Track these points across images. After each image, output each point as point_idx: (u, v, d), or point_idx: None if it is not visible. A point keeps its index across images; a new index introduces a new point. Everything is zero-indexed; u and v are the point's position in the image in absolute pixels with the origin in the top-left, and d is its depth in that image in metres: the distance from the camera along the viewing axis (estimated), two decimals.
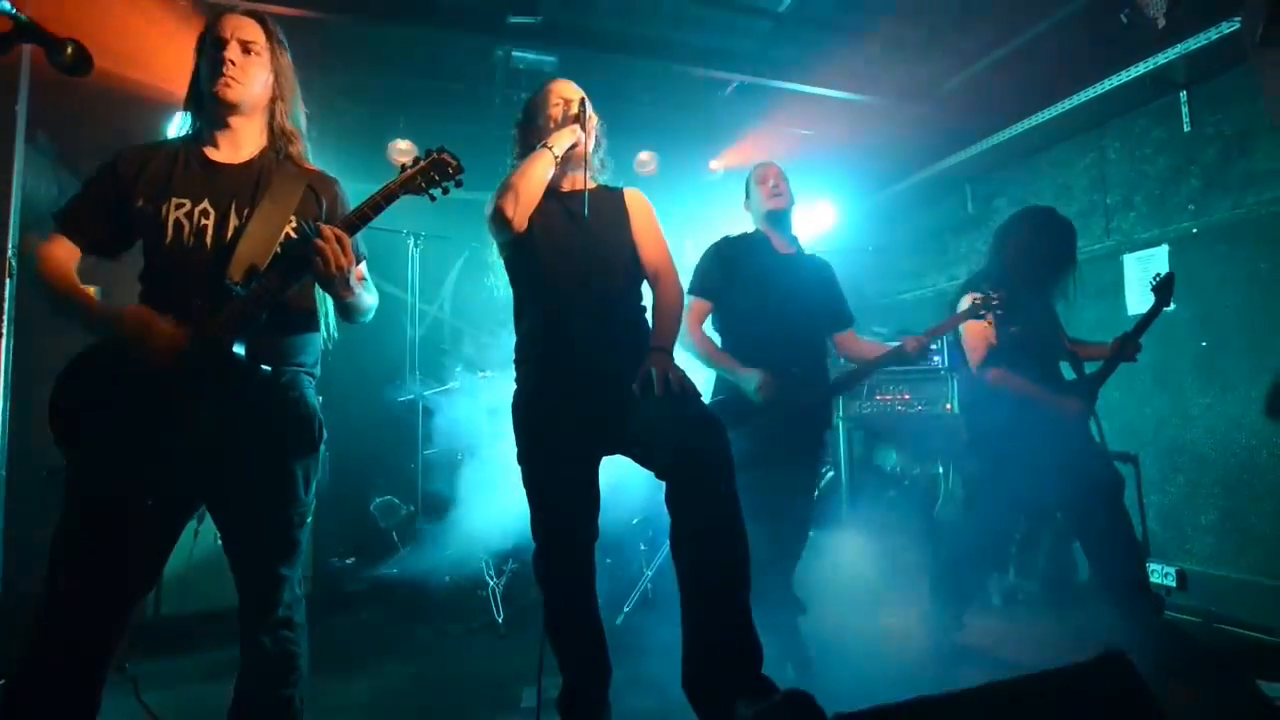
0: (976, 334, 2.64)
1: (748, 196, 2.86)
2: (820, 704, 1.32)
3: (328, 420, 1.82)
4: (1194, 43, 3.21)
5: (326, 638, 3.31)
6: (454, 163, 1.74)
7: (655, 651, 2.40)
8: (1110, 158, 4.05)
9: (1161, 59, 3.37)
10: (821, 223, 5.36)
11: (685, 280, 2.14)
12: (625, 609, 3.39)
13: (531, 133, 2.13)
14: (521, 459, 2.00)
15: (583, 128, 2.03)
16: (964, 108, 4.39)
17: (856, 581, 3.33)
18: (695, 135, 5.01)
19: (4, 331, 2.67)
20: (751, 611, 1.58)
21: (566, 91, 2.13)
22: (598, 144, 2.15)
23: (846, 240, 5.58)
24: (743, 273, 2.65)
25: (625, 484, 3.10)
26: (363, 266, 1.87)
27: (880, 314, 5.36)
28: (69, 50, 1.30)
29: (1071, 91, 3.82)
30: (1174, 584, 3.53)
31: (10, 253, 2.68)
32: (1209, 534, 3.49)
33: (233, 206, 1.66)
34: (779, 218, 2.76)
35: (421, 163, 1.73)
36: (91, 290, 1.70)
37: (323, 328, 1.85)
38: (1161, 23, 2.91)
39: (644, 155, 4.95)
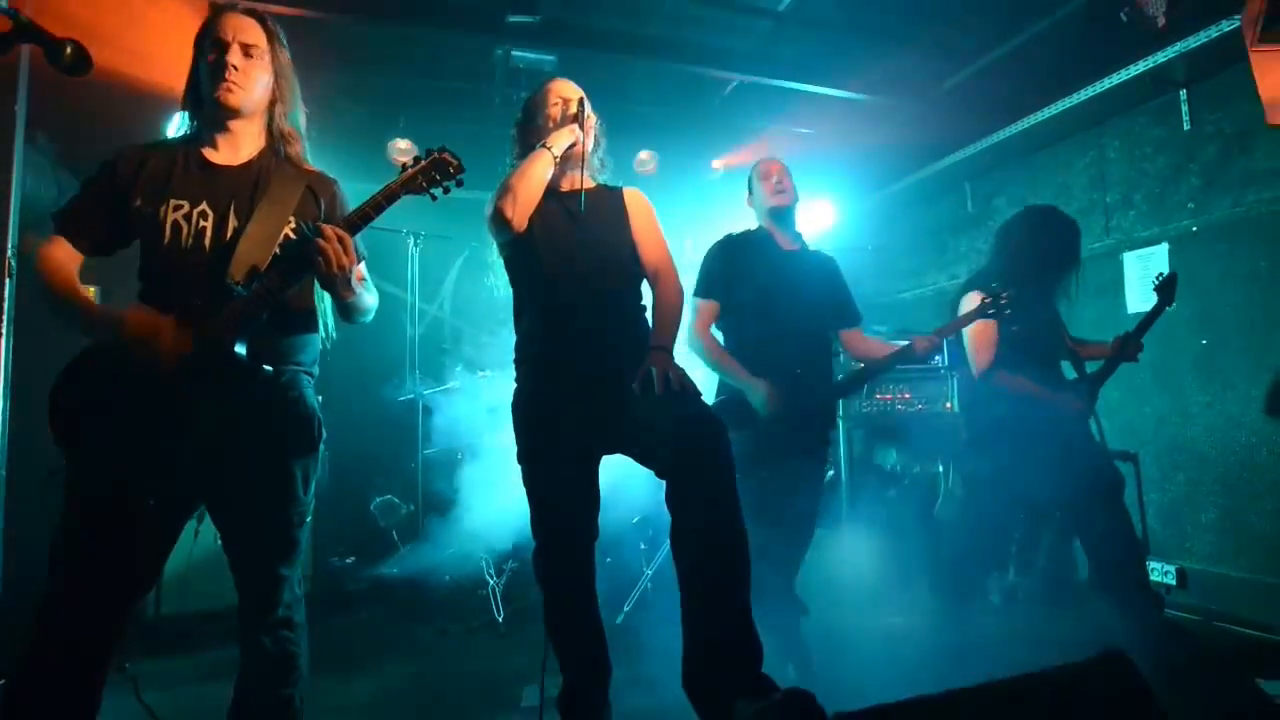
0: (982, 335, 2.63)
1: (750, 193, 2.83)
2: (820, 703, 1.32)
3: (328, 420, 1.82)
4: (1194, 41, 3.21)
5: (326, 637, 3.30)
6: (455, 162, 1.75)
7: (655, 651, 2.40)
8: (1110, 156, 4.05)
9: (1161, 57, 3.37)
10: (821, 222, 5.35)
11: (685, 279, 2.13)
12: (625, 608, 3.39)
13: (531, 132, 2.13)
14: (521, 458, 2.00)
15: (581, 127, 2.03)
16: (963, 106, 4.39)
17: (856, 580, 3.33)
18: (695, 135, 5.01)
19: (4, 331, 2.67)
20: (752, 610, 1.58)
21: (565, 91, 2.13)
22: (597, 143, 2.16)
23: (846, 239, 5.57)
24: (747, 271, 2.62)
25: (625, 483, 3.10)
26: (362, 267, 1.87)
27: (880, 313, 5.35)
28: (68, 50, 1.30)
29: (1071, 90, 3.82)
30: (1174, 582, 3.53)
31: (10, 253, 2.68)
32: (1209, 532, 3.49)
33: (231, 207, 1.66)
34: (783, 215, 2.73)
35: (422, 162, 1.73)
36: (90, 292, 1.70)
37: (321, 327, 1.85)
38: (1161, 21, 2.91)
39: (643, 155, 4.95)
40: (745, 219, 2.84)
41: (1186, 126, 3.63)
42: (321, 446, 1.77)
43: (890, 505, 4.22)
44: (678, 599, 1.63)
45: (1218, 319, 3.45)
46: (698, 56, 4.10)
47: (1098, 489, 2.57)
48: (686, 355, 2.43)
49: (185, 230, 1.62)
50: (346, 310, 1.77)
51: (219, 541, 1.70)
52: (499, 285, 2.20)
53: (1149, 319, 2.73)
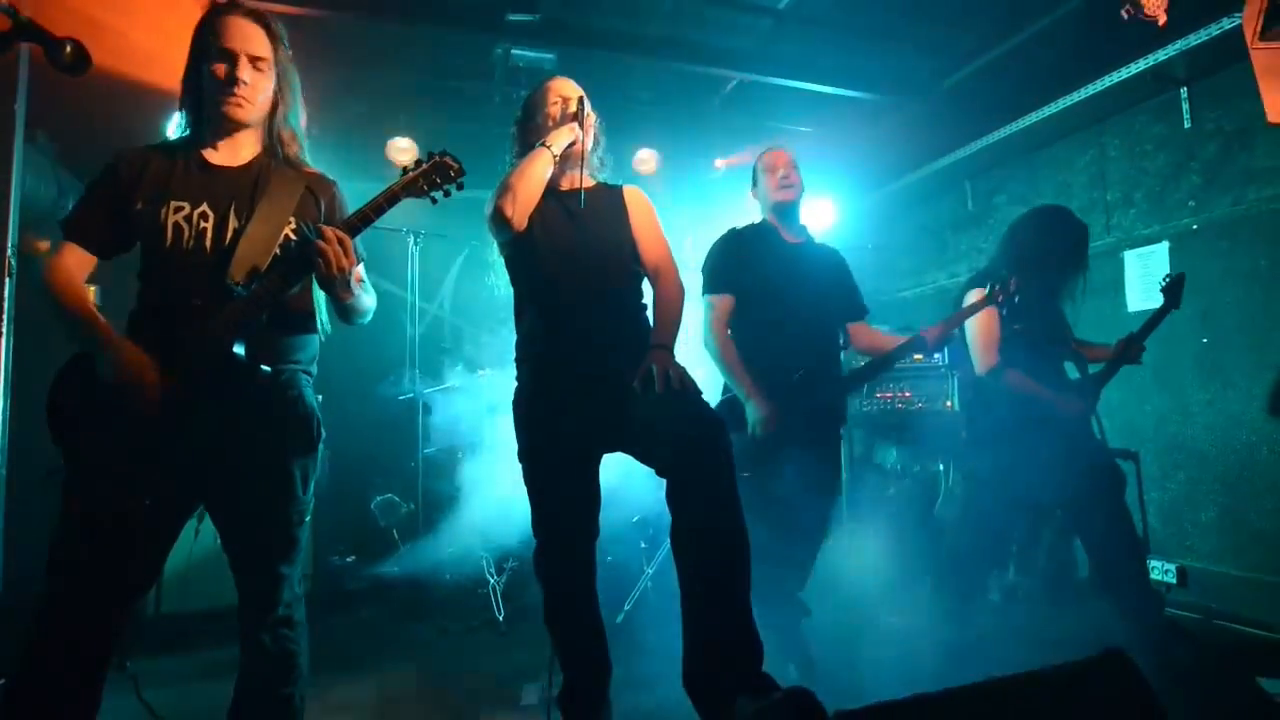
0: (985, 333, 2.61)
1: (755, 184, 2.78)
2: (821, 701, 1.32)
3: (327, 419, 1.82)
4: (1194, 39, 3.20)
5: (327, 636, 3.31)
6: (455, 166, 1.75)
7: (655, 650, 2.40)
8: (1110, 154, 4.04)
9: (1162, 55, 3.37)
10: (821, 220, 5.35)
11: (686, 278, 2.12)
12: (625, 607, 3.39)
13: (530, 131, 2.13)
14: (522, 456, 2.00)
15: (581, 126, 2.03)
16: (964, 104, 4.38)
17: (857, 579, 3.33)
18: (695, 133, 5.01)
19: (4, 331, 2.67)
20: (752, 609, 1.58)
21: (565, 90, 2.12)
22: (596, 142, 2.15)
23: (846, 238, 5.55)
24: (753, 264, 2.59)
25: (625, 483, 3.10)
26: (360, 268, 1.86)
27: (881, 311, 5.32)
28: (67, 49, 1.30)
29: (1072, 88, 3.81)
30: (1174, 581, 3.53)
31: (10, 252, 2.68)
32: (1209, 531, 3.49)
33: (231, 209, 1.66)
34: (788, 209, 2.70)
35: (423, 165, 1.74)
36: (91, 291, 1.70)
37: (318, 324, 1.85)
38: (1162, 19, 2.90)
39: (643, 153, 4.95)
40: (746, 218, 2.81)
41: (1187, 124, 3.63)
42: (321, 446, 1.77)
43: (890, 504, 4.22)
44: (678, 599, 1.63)
45: (1218, 317, 3.45)
46: (697, 55, 4.09)
47: (1099, 488, 2.56)
48: (692, 352, 2.43)
49: (186, 231, 1.62)
50: (345, 311, 1.77)
51: (219, 541, 1.70)
52: (499, 284, 2.20)
53: (1153, 321, 2.71)
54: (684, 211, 5.08)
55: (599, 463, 2.00)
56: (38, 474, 1.63)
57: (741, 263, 2.61)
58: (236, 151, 1.74)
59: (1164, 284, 2.76)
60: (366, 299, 1.81)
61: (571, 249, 1.99)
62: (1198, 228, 3.58)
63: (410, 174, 1.73)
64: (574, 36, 3.85)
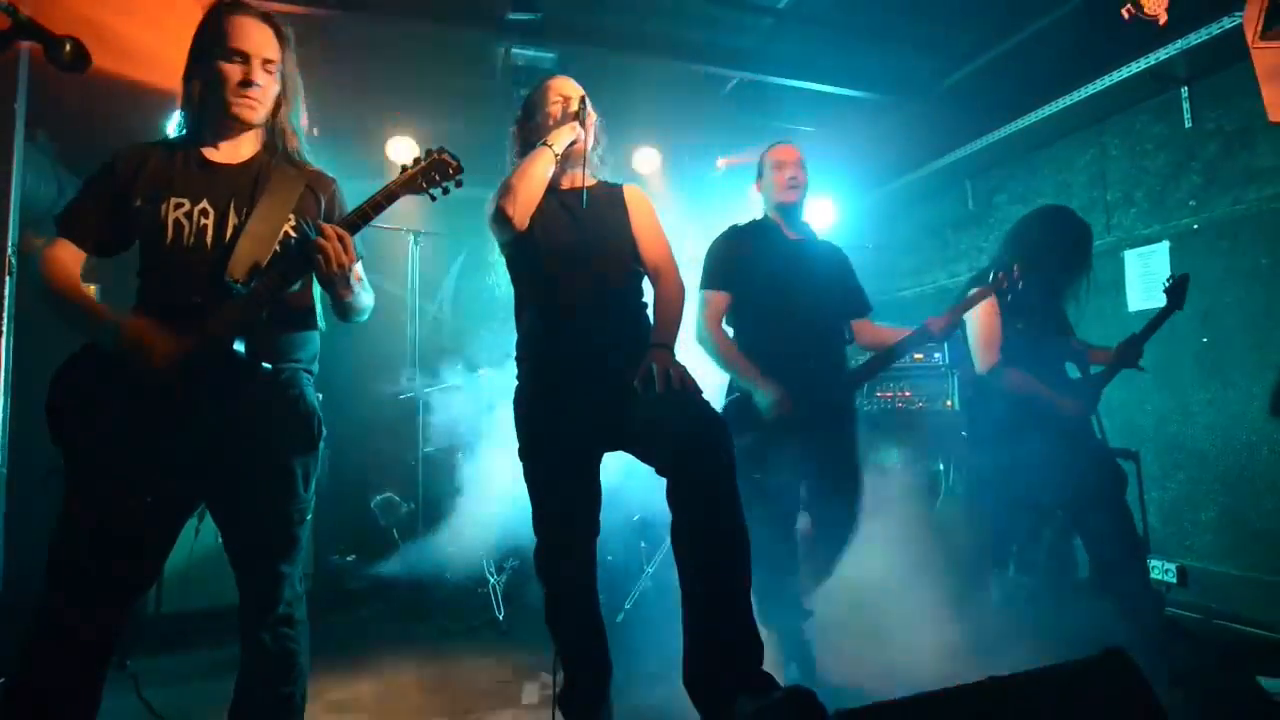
0: (986, 332, 2.61)
1: (760, 177, 2.74)
2: (821, 701, 1.32)
3: (328, 418, 1.82)
4: (1195, 38, 3.20)
5: (327, 635, 3.31)
6: (454, 163, 1.75)
7: (656, 648, 2.40)
8: (1111, 153, 4.04)
9: (1163, 54, 3.36)
10: (821, 220, 5.35)
11: (687, 276, 2.12)
12: (625, 606, 3.39)
13: (530, 130, 2.13)
14: (523, 455, 2.00)
15: (582, 125, 2.03)
16: (964, 103, 4.38)
17: (857, 579, 3.33)
18: (695, 132, 5.00)
19: (4, 330, 2.67)
20: (753, 608, 1.58)
21: (566, 89, 2.12)
22: (597, 141, 2.15)
23: (846, 237, 5.55)
24: (755, 261, 2.57)
25: (625, 482, 3.09)
26: (359, 266, 1.86)
27: (881, 311, 5.31)
28: (67, 47, 1.30)
29: (1072, 87, 3.81)
30: (1174, 580, 3.53)
31: (10, 251, 2.68)
32: (1209, 530, 3.49)
33: (231, 206, 1.66)
34: (791, 209, 2.68)
35: (422, 163, 1.73)
36: (91, 290, 1.70)
37: (319, 321, 1.85)
38: (1163, 18, 2.90)
39: (643, 152, 4.94)
40: (747, 217, 2.80)
41: (1188, 124, 3.62)
42: (322, 444, 1.77)
43: (890, 504, 4.22)
44: (678, 598, 1.63)
45: (1219, 317, 3.45)
46: (697, 54, 4.09)
47: (1100, 487, 2.56)
48: (693, 351, 2.41)
49: (186, 228, 1.62)
50: (344, 309, 1.76)
51: (219, 539, 1.70)
52: (499, 283, 2.20)
53: (1156, 322, 2.70)
54: (684, 211, 5.08)
55: (600, 461, 2.00)
56: (38, 474, 1.63)
57: (741, 260, 2.59)
58: (237, 149, 1.75)
59: (1167, 285, 2.75)
60: (365, 297, 1.81)
61: (572, 248, 1.99)
62: (1198, 227, 3.58)
63: (409, 171, 1.73)
64: (574, 35, 3.85)
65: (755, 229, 2.70)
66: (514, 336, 2.11)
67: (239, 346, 1.56)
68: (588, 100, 2.07)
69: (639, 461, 1.85)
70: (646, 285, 2.13)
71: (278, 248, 1.66)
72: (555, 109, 2.09)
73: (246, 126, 1.73)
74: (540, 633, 2.06)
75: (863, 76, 4.32)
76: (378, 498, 4.49)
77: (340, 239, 1.59)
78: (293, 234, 1.69)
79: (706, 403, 1.83)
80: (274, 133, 1.79)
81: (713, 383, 2.61)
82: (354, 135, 4.43)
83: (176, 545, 1.67)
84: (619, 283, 2.04)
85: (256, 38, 1.67)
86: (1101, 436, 2.75)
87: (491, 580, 3.68)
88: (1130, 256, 3.88)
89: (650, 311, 2.07)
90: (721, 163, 5.23)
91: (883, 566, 3.43)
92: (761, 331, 2.54)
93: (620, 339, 1.96)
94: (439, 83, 4.33)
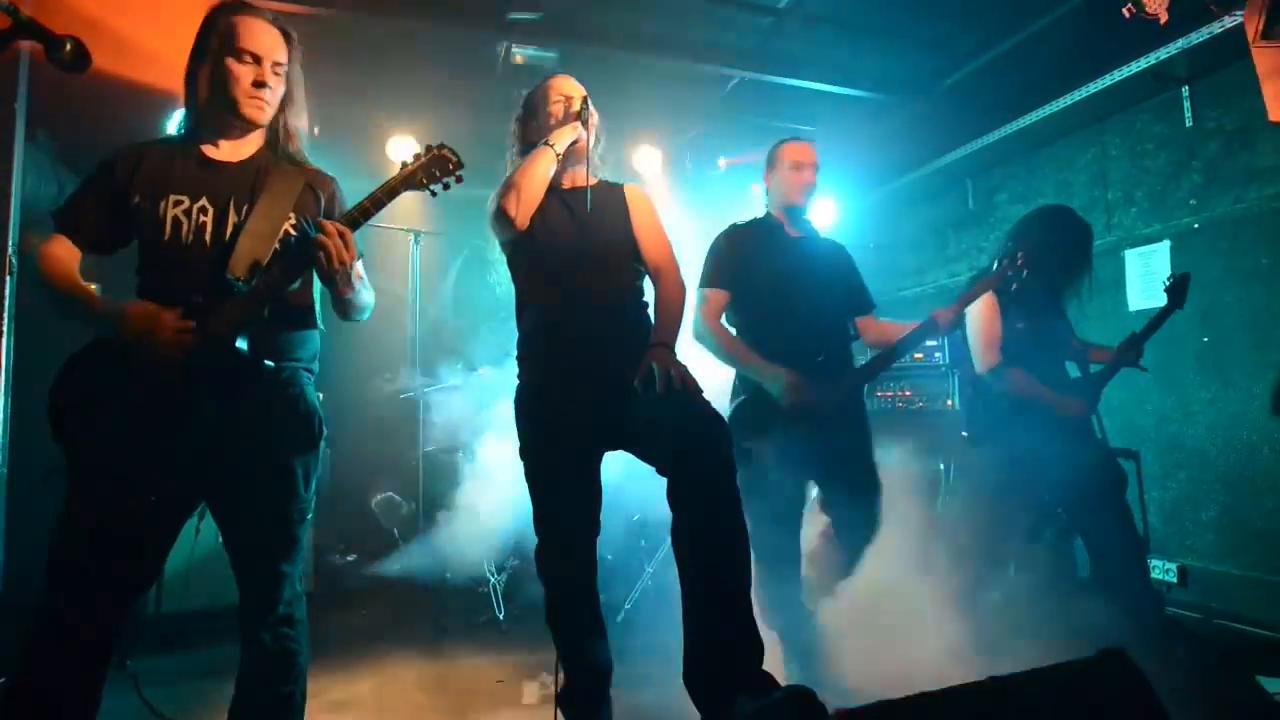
0: (987, 331, 2.60)
1: (770, 167, 2.68)
2: (821, 700, 1.32)
3: (328, 417, 1.82)
4: (1196, 38, 3.19)
5: (327, 635, 3.31)
6: (454, 159, 1.74)
7: (656, 647, 2.40)
8: (1112, 153, 4.04)
9: (1163, 54, 3.36)
10: (822, 219, 5.35)
11: (687, 275, 2.12)
12: (626, 606, 3.39)
13: (531, 129, 2.13)
14: (523, 454, 2.00)
15: (584, 125, 2.03)
16: (965, 103, 4.38)
17: (857, 578, 3.32)
18: (696, 132, 5.00)
19: (4, 330, 2.67)
20: (753, 607, 1.58)
21: (567, 88, 2.12)
22: (598, 140, 2.14)
23: (847, 237, 5.48)
24: (757, 259, 2.54)
25: (625, 482, 3.09)
26: (359, 264, 1.86)
27: (882, 311, 5.31)
28: (67, 47, 1.30)
29: (1073, 87, 3.81)
30: (1175, 580, 3.53)
31: (10, 251, 2.68)
32: (1210, 530, 3.49)
33: (231, 203, 1.66)
34: (798, 208, 2.65)
35: (422, 158, 1.73)
36: (93, 288, 1.70)
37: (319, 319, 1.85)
38: (1163, 18, 2.89)
39: (644, 151, 4.94)
40: (745, 213, 2.77)
41: (1188, 123, 3.62)
42: (322, 444, 1.77)
43: (890, 504, 4.21)
44: (678, 598, 1.63)
45: (1219, 316, 3.45)
46: (698, 53, 4.09)
47: (1100, 487, 2.56)
48: (698, 349, 2.41)
49: (185, 226, 1.62)
50: (345, 307, 1.76)
51: (220, 539, 1.70)
52: (500, 282, 2.20)
53: (1156, 321, 2.70)
54: (685, 210, 5.08)
55: (600, 461, 2.00)
56: (38, 474, 1.63)
57: (742, 259, 2.56)
58: (238, 148, 1.74)
59: (1168, 284, 2.75)
60: (366, 294, 1.81)
61: (573, 247, 1.99)
62: (1199, 227, 3.58)
63: (408, 167, 1.72)
64: (575, 34, 3.85)
65: (757, 227, 2.67)
66: (514, 335, 2.11)
67: (240, 344, 1.55)
68: (589, 100, 2.07)
69: (639, 461, 1.85)
70: (647, 285, 2.13)
71: (278, 245, 1.65)
72: (557, 108, 2.09)
73: (253, 126, 1.73)
74: (540, 633, 2.07)
75: (863, 76, 4.32)
76: (378, 498, 4.49)
77: (341, 235, 1.59)
78: (293, 232, 1.68)
79: (707, 402, 1.83)
80: (275, 133, 1.79)
81: (714, 382, 2.60)
82: (355, 135, 4.43)
83: (176, 545, 1.67)
84: (620, 282, 2.04)
85: (267, 40, 1.68)
86: (1102, 436, 2.75)
87: (491, 580, 3.68)
88: (1131, 256, 3.88)
89: (651, 311, 2.06)
90: (723, 163, 5.22)
91: (883, 566, 3.44)
92: (763, 330, 2.51)
93: (621, 338, 1.95)
94: (440, 82, 4.32)
